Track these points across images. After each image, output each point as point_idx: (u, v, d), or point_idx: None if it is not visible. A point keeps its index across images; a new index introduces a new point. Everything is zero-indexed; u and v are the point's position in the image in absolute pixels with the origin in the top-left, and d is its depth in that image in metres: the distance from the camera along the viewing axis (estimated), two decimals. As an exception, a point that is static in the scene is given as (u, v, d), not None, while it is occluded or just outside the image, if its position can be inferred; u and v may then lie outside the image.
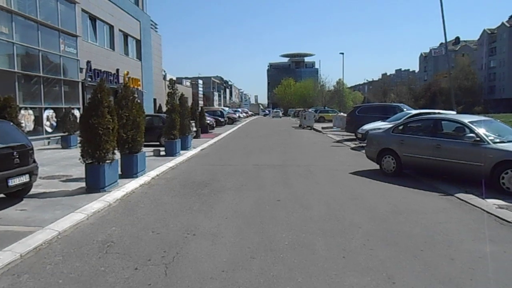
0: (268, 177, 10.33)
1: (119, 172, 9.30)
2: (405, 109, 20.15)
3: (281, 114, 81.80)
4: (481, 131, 8.68)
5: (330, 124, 35.77)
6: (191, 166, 12.58)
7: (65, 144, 17.78)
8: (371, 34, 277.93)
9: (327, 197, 7.97)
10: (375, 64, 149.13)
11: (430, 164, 9.42)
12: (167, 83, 30.50)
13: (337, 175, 10.59)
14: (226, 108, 54.17)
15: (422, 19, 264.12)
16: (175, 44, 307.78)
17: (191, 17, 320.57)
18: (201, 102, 73.06)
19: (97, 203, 7.29)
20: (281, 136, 25.39)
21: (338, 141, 21.07)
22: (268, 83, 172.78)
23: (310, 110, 38.59)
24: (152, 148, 14.86)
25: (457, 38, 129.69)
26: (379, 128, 16.28)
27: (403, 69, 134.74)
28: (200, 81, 75.25)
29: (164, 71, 40.65)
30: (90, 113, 8.08)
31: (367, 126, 17.16)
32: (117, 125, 8.58)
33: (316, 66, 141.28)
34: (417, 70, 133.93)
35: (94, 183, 8.21)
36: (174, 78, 50.10)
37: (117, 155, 8.99)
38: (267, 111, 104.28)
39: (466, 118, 9.37)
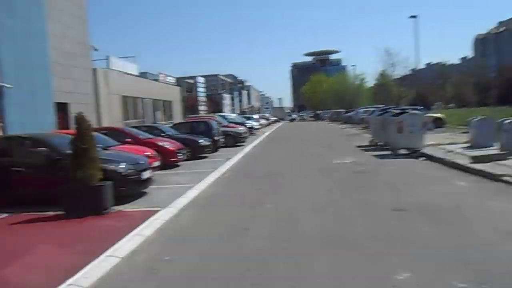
0: None
1: None
2: None
3: (305, 117, 79.21)
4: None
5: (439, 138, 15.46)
6: None
7: None
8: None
9: None
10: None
11: None
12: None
13: None
14: (233, 115, 34.16)
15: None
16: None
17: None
18: (203, 109, 53.42)
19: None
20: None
21: None
22: (293, 85, 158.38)
23: (413, 110, 17.48)
24: None
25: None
26: None
27: (432, 62, 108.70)
28: (201, 79, 54.76)
29: (94, 49, 20.18)
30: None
31: None
32: None
33: (343, 63, 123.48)
34: (450, 62, 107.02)
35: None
36: (135, 70, 22.79)
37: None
38: (293, 115, 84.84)
39: None
